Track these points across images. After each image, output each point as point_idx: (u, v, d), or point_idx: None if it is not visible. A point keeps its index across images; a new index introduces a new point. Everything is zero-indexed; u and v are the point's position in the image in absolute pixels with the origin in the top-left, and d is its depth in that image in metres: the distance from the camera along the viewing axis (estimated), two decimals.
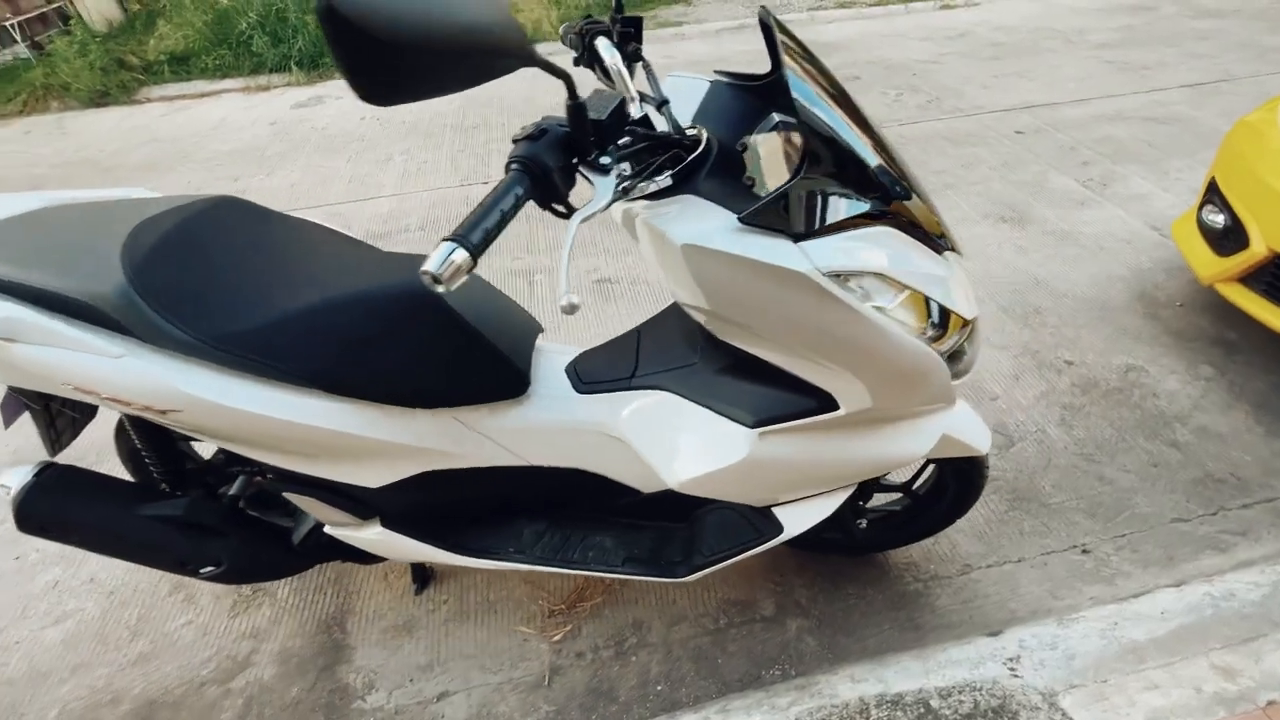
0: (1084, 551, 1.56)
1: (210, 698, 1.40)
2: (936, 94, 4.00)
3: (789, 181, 0.78)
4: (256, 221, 1.15)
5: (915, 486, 1.43)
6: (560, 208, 0.71)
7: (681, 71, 1.06)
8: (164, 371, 0.96)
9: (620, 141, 0.84)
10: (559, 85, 0.65)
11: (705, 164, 0.87)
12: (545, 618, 1.50)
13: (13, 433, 1.29)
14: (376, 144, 3.89)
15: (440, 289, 0.60)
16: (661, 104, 0.93)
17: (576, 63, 1.06)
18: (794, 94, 0.75)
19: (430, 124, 4.10)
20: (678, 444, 1.05)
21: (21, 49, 5.63)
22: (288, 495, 1.17)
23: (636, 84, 1.01)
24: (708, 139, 0.89)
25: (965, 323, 0.94)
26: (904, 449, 1.03)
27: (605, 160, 0.73)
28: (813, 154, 0.76)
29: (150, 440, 1.23)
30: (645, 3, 6.25)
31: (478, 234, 0.62)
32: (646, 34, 5.88)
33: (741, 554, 1.17)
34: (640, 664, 1.41)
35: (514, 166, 0.67)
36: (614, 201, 0.74)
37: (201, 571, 1.23)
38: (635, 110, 0.94)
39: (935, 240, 0.91)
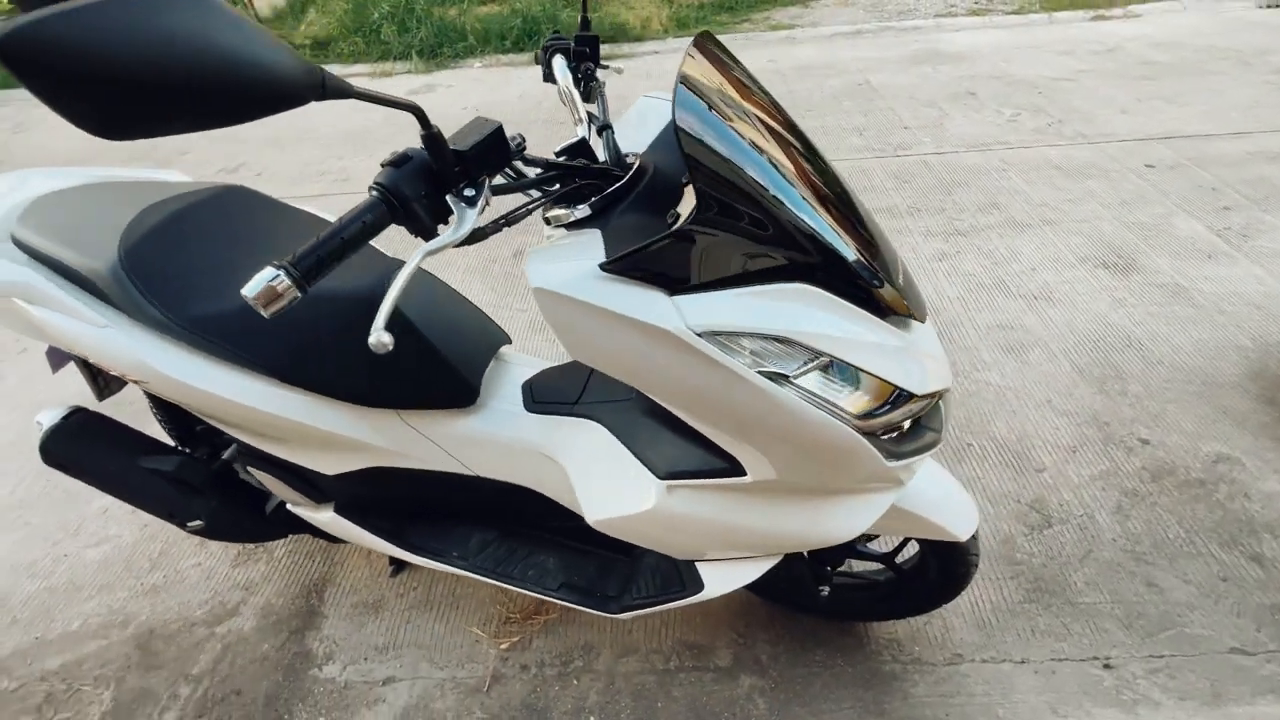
0: (1106, 666, 1.34)
1: (197, 637, 1.53)
2: (1061, 116, 3.58)
3: (671, 229, 0.71)
4: (256, 211, 1.23)
5: (899, 560, 1.29)
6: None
7: (657, 92, 1.01)
8: (139, 346, 1.05)
9: (535, 172, 0.81)
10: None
11: (627, 197, 0.82)
12: (500, 623, 1.50)
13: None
14: None
15: (264, 313, 0.60)
16: (603, 128, 0.89)
17: (546, 79, 1.04)
18: (680, 126, 0.68)
19: (522, 116, 4.24)
20: (599, 480, 1.01)
21: None
22: (252, 470, 1.25)
23: (589, 105, 0.97)
24: (638, 169, 0.84)
25: (918, 398, 0.82)
26: (834, 525, 0.92)
27: (469, 192, 0.70)
28: (706, 198, 0.69)
29: (156, 399, 1.35)
30: (760, 3, 6.09)
31: (309, 261, 0.61)
32: (755, 37, 5.76)
33: (665, 604, 1.11)
34: (580, 689, 1.38)
35: (372, 192, 0.66)
36: (481, 235, 0.70)
37: (188, 525, 1.34)
38: (583, 131, 0.91)
39: (881, 305, 0.79)
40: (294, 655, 1.48)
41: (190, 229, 1.13)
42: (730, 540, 0.97)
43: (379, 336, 0.61)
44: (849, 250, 0.76)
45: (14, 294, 1.08)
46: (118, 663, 1.50)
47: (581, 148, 0.85)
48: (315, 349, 1.06)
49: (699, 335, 0.71)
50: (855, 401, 0.78)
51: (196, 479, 1.32)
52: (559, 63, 0.97)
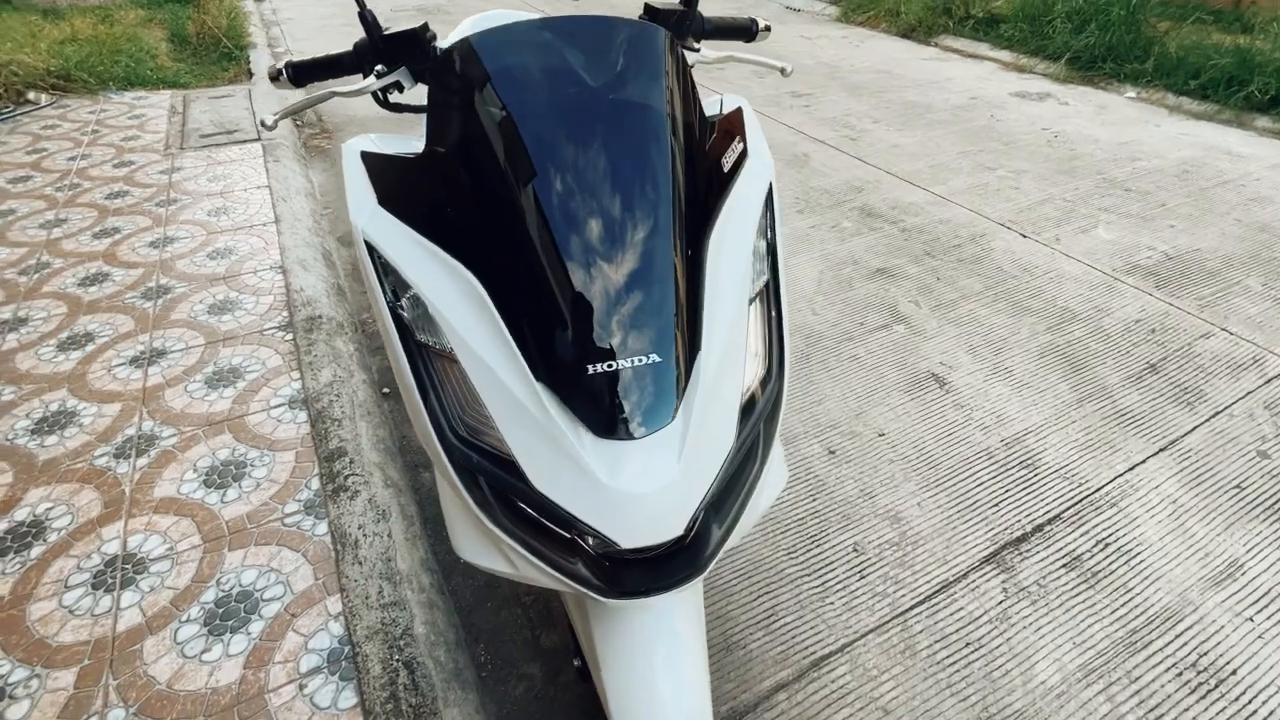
0: None
1: None
2: None
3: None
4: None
5: None
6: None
7: None
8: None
9: None
10: None
11: None
12: None
13: None
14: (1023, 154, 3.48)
15: (273, 86, 0.82)
16: None
17: None
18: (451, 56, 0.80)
19: (1060, 169, 3.36)
20: None
21: None
22: None
23: None
24: None
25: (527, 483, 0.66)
26: (460, 537, 0.80)
27: (380, 68, 0.90)
28: (433, 141, 0.80)
29: None
30: None
31: (303, 67, 0.88)
32: (1199, 124, 3.26)
33: None
34: (498, 581, 1.41)
35: (361, 42, 0.89)
36: (397, 108, 0.97)
37: None
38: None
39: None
40: None
41: None
42: None
43: (264, 117, 0.86)
44: (555, 294, 0.69)
45: None
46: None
47: None
48: None
49: (365, 241, 0.78)
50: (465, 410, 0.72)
51: None
52: None
